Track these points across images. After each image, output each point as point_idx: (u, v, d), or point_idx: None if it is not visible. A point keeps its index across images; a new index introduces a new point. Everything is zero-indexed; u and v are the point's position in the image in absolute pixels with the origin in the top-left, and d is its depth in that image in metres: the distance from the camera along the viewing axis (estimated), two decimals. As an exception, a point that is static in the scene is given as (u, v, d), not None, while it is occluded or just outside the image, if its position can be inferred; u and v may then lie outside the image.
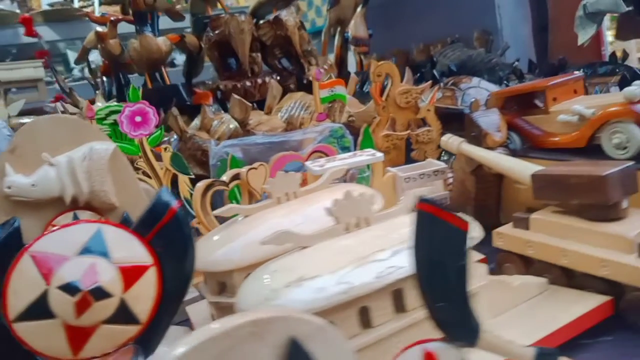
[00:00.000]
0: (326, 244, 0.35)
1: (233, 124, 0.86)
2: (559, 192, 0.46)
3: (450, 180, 0.69)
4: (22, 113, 1.15)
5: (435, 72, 1.21)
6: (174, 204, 0.33)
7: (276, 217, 0.43)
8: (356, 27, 1.67)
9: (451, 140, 0.62)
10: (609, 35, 2.02)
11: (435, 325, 0.28)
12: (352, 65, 1.82)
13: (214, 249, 0.41)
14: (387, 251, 0.33)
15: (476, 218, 0.64)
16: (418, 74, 1.41)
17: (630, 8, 1.38)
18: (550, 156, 0.56)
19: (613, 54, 1.36)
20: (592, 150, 0.52)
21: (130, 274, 0.30)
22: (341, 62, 1.81)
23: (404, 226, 0.31)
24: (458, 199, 0.66)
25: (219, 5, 1.63)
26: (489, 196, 0.62)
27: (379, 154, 0.63)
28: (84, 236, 0.30)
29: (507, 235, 0.50)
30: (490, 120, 0.60)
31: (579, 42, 1.45)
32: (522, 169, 0.51)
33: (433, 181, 0.67)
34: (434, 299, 0.27)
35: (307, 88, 1.31)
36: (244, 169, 0.60)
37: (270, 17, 1.35)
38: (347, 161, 0.60)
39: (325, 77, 1.42)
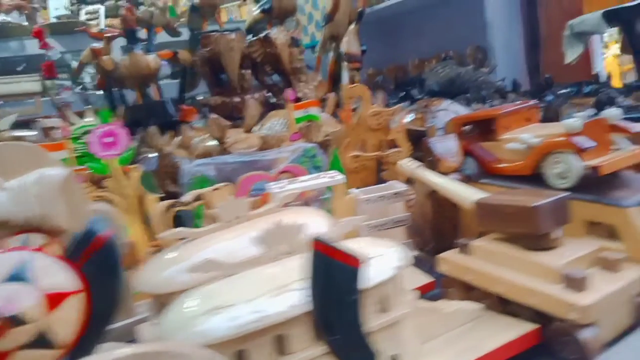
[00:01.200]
0: (251, 272, 0.37)
1: (212, 142, 0.89)
2: (496, 220, 0.48)
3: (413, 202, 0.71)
4: (17, 126, 1.19)
5: (416, 91, 1.22)
6: (104, 231, 0.35)
7: (222, 240, 0.45)
8: (349, 43, 1.70)
9: (408, 165, 0.63)
10: (603, 53, 2.03)
11: (334, 357, 0.30)
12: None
13: (157, 271, 0.43)
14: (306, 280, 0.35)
15: (435, 240, 0.66)
16: (404, 92, 1.44)
17: (614, 28, 1.39)
18: (501, 183, 0.57)
19: (596, 74, 1.37)
20: (541, 178, 0.54)
21: (55, 300, 0.32)
22: (335, 78, 1.84)
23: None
24: (417, 221, 0.67)
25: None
26: (445, 220, 0.63)
27: (340, 177, 0.65)
28: (11, 264, 0.32)
29: (449, 261, 0.51)
30: (447, 146, 0.62)
31: (566, 61, 1.47)
32: (468, 196, 0.53)
33: (393, 203, 0.68)
34: (329, 332, 0.29)
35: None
36: (207, 189, 0.62)
37: (262, 34, 1.38)
38: (306, 184, 0.62)
39: (314, 95, 1.45)
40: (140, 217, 0.67)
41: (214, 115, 0.86)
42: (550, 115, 0.89)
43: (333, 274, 0.28)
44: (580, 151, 0.47)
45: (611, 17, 1.19)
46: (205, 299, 0.35)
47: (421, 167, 0.62)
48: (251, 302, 0.34)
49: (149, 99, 1.24)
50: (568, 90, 1.36)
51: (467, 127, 0.64)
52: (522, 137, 0.54)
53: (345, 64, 1.76)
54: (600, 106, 0.97)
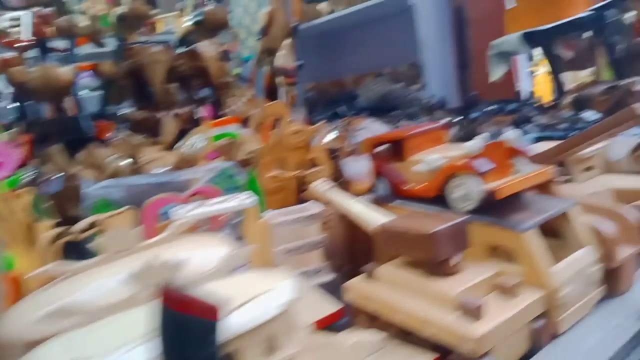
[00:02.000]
0: (118, 317, 0.33)
1: (125, 161, 0.84)
2: (397, 246, 0.46)
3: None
4: None
5: (344, 108, 1.22)
6: None
7: (96, 278, 0.41)
8: (283, 58, 1.69)
9: (319, 186, 0.61)
10: (534, 71, 2.13)
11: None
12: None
13: (17, 318, 0.38)
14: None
15: (349, 263, 0.64)
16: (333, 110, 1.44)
17: (533, 49, 1.46)
18: (411, 205, 0.56)
19: (517, 93, 1.44)
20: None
21: None
22: (272, 92, 1.82)
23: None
24: (333, 243, 0.65)
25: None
26: (359, 242, 0.62)
27: (251, 199, 0.62)
28: None
29: (354, 289, 0.49)
30: (359, 167, 0.60)
31: (490, 80, 1.53)
32: (372, 220, 0.51)
33: (309, 225, 0.66)
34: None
35: (226, 119, 1.30)
36: (104, 215, 0.57)
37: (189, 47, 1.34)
38: (213, 208, 0.59)
39: (244, 110, 1.42)
40: (30, 246, 0.61)
41: (124, 132, 0.81)
42: (468, 134, 0.91)
43: (185, 329, 0.25)
44: (479, 174, 0.47)
45: (530, 39, 1.25)
46: (63, 350, 0.31)
47: (332, 189, 0.61)
48: (112, 354, 0.30)
49: (63, 114, 1.16)
50: (493, 107, 1.41)
51: (379, 148, 0.63)
52: (426, 160, 0.53)
53: (279, 78, 1.74)
54: (518, 125, 1.00)
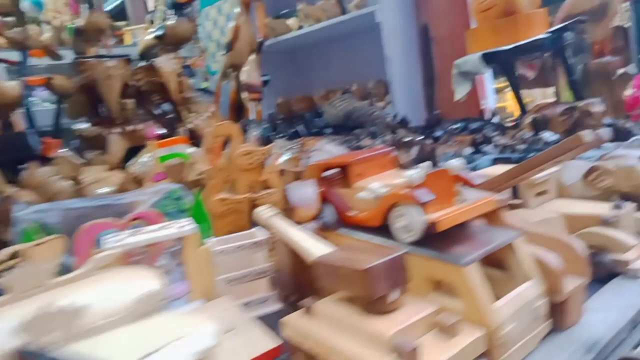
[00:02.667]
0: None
1: (65, 183, 0.79)
2: (333, 281, 0.44)
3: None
4: None
5: (301, 129, 1.20)
6: None
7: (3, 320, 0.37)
8: (248, 73, 1.66)
9: (263, 212, 0.59)
10: (502, 89, 2.16)
11: None
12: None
13: None
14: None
15: (297, 293, 0.61)
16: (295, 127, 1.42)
17: (491, 69, 1.48)
18: (357, 234, 0.54)
19: (481, 112, 1.45)
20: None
21: None
22: (238, 108, 1.78)
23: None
24: (279, 272, 0.62)
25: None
26: (306, 271, 0.59)
27: (190, 226, 0.58)
28: None
29: (291, 325, 0.46)
30: (304, 193, 0.58)
31: (455, 99, 1.53)
32: (312, 250, 0.49)
33: (254, 253, 0.63)
34: None
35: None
36: (27, 245, 0.53)
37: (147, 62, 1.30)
38: (147, 236, 0.55)
39: (206, 127, 1.38)
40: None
41: (62, 151, 0.76)
42: (427, 156, 0.90)
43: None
44: (420, 204, 0.45)
45: (489, 59, 1.26)
46: None
47: (275, 216, 0.58)
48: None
49: (9, 130, 1.11)
50: (456, 126, 1.41)
51: (327, 173, 0.60)
52: (370, 187, 0.51)
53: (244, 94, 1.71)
54: (477, 145, 1.00)
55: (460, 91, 1.48)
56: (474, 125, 1.39)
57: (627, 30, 3.38)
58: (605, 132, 0.54)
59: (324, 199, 0.58)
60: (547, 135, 1.09)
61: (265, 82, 1.79)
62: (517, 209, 0.69)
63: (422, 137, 1.21)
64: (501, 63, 1.31)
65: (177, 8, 1.47)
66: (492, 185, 0.63)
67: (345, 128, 1.48)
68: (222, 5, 2.33)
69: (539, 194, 0.71)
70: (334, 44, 2.24)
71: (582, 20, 1.26)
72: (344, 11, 1.98)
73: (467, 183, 0.49)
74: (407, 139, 1.23)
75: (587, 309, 0.51)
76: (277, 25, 2.14)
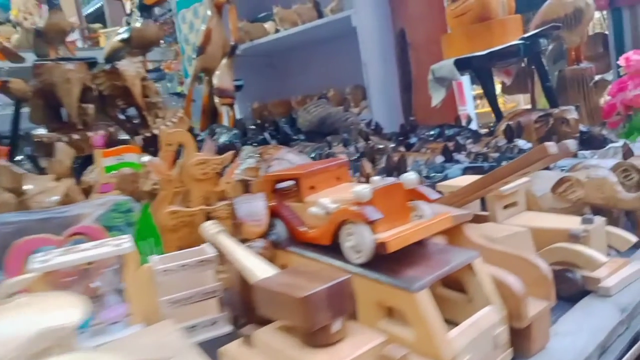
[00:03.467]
0: None
1: (6, 194, 0.73)
2: (272, 308, 0.39)
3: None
4: None
5: (268, 135, 1.15)
6: None
7: None
8: (220, 77, 1.61)
9: (208, 228, 0.54)
10: (474, 96, 2.14)
11: None
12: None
13: None
14: None
15: (247, 315, 0.56)
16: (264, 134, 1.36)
17: (465, 75, 1.45)
18: (309, 253, 0.50)
19: (457, 118, 1.42)
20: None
21: None
22: (211, 113, 1.74)
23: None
24: (228, 292, 0.57)
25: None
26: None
27: (127, 244, 0.54)
28: None
29: (229, 355, 0.42)
30: (253, 208, 0.53)
31: (432, 104, 1.50)
32: (254, 273, 0.44)
33: (202, 272, 0.58)
34: None
35: (151, 143, 1.21)
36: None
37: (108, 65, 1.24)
38: (77, 256, 0.50)
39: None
40: None
41: (3, 162, 0.71)
42: (393, 165, 0.86)
43: None
44: (369, 223, 0.41)
45: (461, 65, 1.23)
46: None
47: (221, 232, 0.53)
48: None
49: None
50: (432, 133, 1.38)
51: (280, 185, 0.56)
52: (320, 202, 0.47)
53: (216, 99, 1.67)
54: (447, 154, 0.96)
55: (437, 97, 1.46)
56: (450, 132, 1.35)
57: (606, 37, 3.41)
58: (571, 143, 0.50)
59: (275, 214, 0.54)
60: (521, 143, 1.06)
61: (238, 87, 1.75)
62: (485, 222, 0.66)
63: (394, 144, 1.17)
64: (475, 69, 1.28)
65: (145, 10, 1.42)
66: (455, 198, 0.59)
67: (320, 134, 1.44)
68: (198, 8, 2.28)
69: (508, 206, 0.67)
70: (312, 48, 2.21)
71: (557, 27, 1.25)
72: (320, 15, 1.95)
73: (423, 198, 0.46)
74: (379, 147, 1.20)
75: (554, 333, 0.48)
76: (253, 29, 2.10)
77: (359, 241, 0.42)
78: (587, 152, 1.21)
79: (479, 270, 0.43)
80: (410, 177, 0.45)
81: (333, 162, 0.53)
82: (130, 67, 1.21)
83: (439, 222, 0.44)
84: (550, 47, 1.86)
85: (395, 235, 0.41)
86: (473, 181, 0.57)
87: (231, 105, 1.64)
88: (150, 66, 1.98)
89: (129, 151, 0.73)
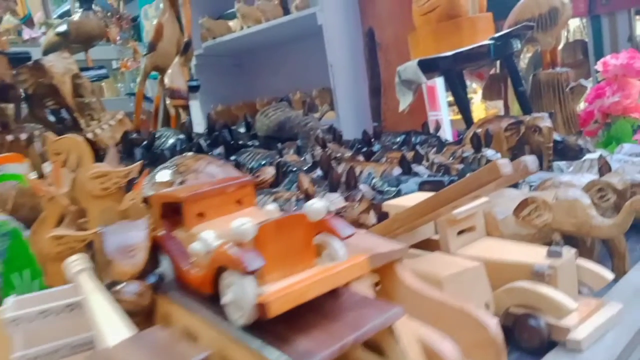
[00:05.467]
0: None
1: None
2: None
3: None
4: None
5: (204, 143, 1.03)
6: None
7: None
8: (172, 77, 1.48)
9: (71, 265, 0.42)
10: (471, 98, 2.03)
11: None
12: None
13: None
14: None
15: None
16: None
17: (432, 78, 1.35)
18: (186, 303, 0.38)
19: (424, 124, 1.31)
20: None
21: None
22: (164, 116, 1.61)
23: None
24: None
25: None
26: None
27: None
28: None
29: None
30: (129, 239, 0.41)
31: (400, 109, 1.40)
32: (102, 336, 0.32)
33: (71, 318, 0.46)
34: None
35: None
36: None
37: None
38: None
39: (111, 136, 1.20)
40: None
41: None
42: (337, 179, 0.74)
43: None
44: (249, 273, 0.29)
45: (426, 67, 1.13)
46: None
47: (84, 271, 0.41)
48: None
49: None
50: (398, 140, 1.27)
51: (169, 210, 0.44)
52: (201, 236, 0.35)
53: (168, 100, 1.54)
54: (405, 165, 0.85)
55: (404, 101, 1.35)
56: (416, 140, 1.25)
57: (586, 44, 3.36)
58: (531, 161, 0.40)
59: (161, 247, 0.42)
60: (490, 154, 0.96)
61: (193, 87, 1.63)
62: (437, 248, 0.55)
63: (352, 153, 1.06)
64: (442, 71, 1.18)
65: (85, 1, 1.29)
66: (396, 225, 0.48)
67: (278, 140, 1.32)
68: (161, 4, 2.14)
69: (464, 231, 0.56)
70: (278, 48, 2.09)
71: (530, 26, 1.15)
72: (287, 13, 1.83)
73: (332, 233, 0.34)
74: (337, 155, 1.08)
75: (507, 408, 0.37)
76: (216, 26, 1.97)
77: (238, 296, 0.31)
78: (562, 164, 1.12)
79: (402, 335, 0.32)
80: (315, 207, 0.34)
81: (231, 181, 0.41)
82: (57, 63, 1.08)
83: (348, 269, 0.32)
84: (526, 49, 1.77)
85: (284, 292, 0.29)
86: (416, 204, 0.46)
87: (184, 108, 1.51)
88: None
89: (10, 161, 0.60)
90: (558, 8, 1.23)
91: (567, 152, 1.07)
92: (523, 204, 0.56)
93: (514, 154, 1.05)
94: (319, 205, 0.34)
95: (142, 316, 0.41)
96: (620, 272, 0.61)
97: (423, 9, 1.21)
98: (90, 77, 1.37)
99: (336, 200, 0.69)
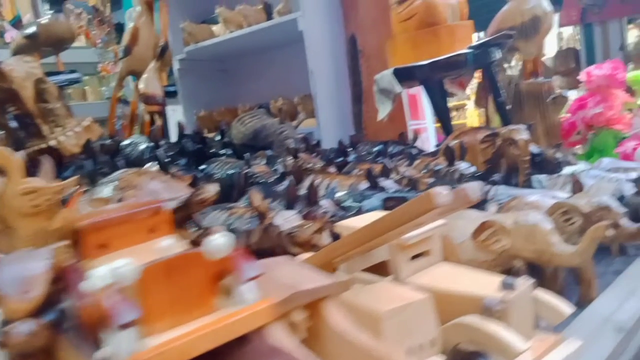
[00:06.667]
0: None
1: None
2: None
3: None
4: None
5: (161, 153, 0.99)
6: None
7: None
8: (147, 82, 1.44)
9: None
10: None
11: None
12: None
13: None
14: None
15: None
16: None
17: (410, 87, 1.31)
18: (79, 344, 0.33)
19: (401, 135, 1.28)
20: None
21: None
22: (140, 122, 1.57)
23: None
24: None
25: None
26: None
27: None
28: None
29: None
30: (25, 270, 0.37)
31: (378, 118, 1.36)
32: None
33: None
34: None
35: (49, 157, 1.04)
36: None
37: None
38: None
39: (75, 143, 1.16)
40: None
41: None
42: (293, 196, 0.70)
43: None
44: (120, 327, 0.25)
45: (401, 76, 1.09)
46: None
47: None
48: None
49: None
50: (375, 150, 1.24)
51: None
52: (90, 274, 0.31)
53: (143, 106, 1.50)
54: (371, 179, 0.81)
55: (383, 110, 1.31)
56: (394, 150, 1.21)
57: (578, 52, 3.33)
58: (472, 189, 0.36)
59: (62, 282, 0.38)
60: (463, 167, 0.92)
61: (170, 93, 1.59)
62: (388, 274, 0.51)
63: (324, 164, 1.02)
64: (420, 80, 1.15)
65: (54, 3, 1.24)
66: (334, 254, 0.44)
67: (253, 148, 1.27)
68: (138, 7, 2.10)
69: (419, 255, 0.52)
70: (262, 53, 2.05)
71: (509, 35, 1.12)
72: (270, 18, 1.80)
73: (238, 273, 0.30)
74: (308, 166, 1.05)
75: None
76: (198, 30, 1.93)
77: (113, 351, 0.26)
78: (543, 177, 1.08)
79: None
80: (215, 244, 0.29)
81: (141, 207, 0.37)
82: (18, 67, 1.03)
83: (249, 317, 0.28)
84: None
85: (164, 348, 0.25)
86: (349, 235, 0.42)
87: (160, 114, 1.47)
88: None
89: None
90: (540, 16, 1.19)
91: (545, 166, 1.03)
92: (481, 228, 0.52)
93: (490, 167, 1.02)
94: (220, 241, 0.30)
95: (40, 357, 0.37)
96: (586, 300, 0.57)
97: (401, 16, 1.17)
98: (60, 81, 1.33)
99: (290, 218, 0.65)
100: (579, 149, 1.34)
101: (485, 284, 0.46)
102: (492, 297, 0.43)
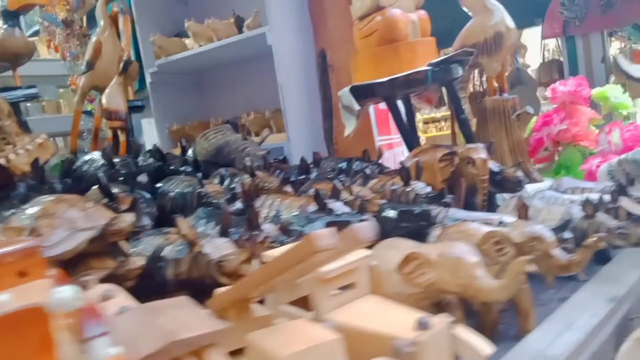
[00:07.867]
0: None
1: None
2: None
3: None
4: None
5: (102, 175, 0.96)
6: None
7: None
8: (109, 97, 1.41)
9: None
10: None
11: None
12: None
13: None
14: None
15: None
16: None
17: (368, 104, 1.30)
18: None
19: (365, 152, 1.25)
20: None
21: None
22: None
23: None
24: None
25: None
26: None
27: None
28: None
29: None
30: None
31: (345, 134, 1.34)
32: None
33: None
34: None
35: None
36: None
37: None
38: None
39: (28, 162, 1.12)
40: None
41: None
42: (227, 221, 0.67)
43: None
44: None
45: (359, 93, 1.08)
46: None
47: None
48: None
49: None
50: (339, 166, 1.21)
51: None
52: None
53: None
54: (319, 201, 0.79)
55: (349, 126, 1.29)
56: (357, 166, 1.19)
57: (562, 64, 3.35)
58: (364, 229, 0.33)
59: None
60: (419, 187, 0.90)
61: (135, 108, 1.56)
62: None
63: (280, 183, 1.00)
64: (380, 97, 1.13)
65: (9, 18, 1.22)
66: (241, 291, 0.42)
67: (216, 165, 1.25)
68: (102, 21, 2.08)
69: (345, 287, 0.50)
70: (234, 67, 2.04)
71: (469, 52, 1.11)
72: (240, 32, 1.78)
73: (95, 320, 0.27)
74: (265, 185, 1.02)
75: None
76: (170, 44, 1.91)
77: None
78: (507, 196, 1.06)
79: None
80: (58, 298, 0.27)
81: (8, 247, 0.34)
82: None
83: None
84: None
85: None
86: (250, 274, 0.40)
87: (123, 129, 1.44)
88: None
89: None
90: (503, 33, 1.19)
91: (505, 184, 1.01)
92: (406, 260, 0.50)
93: (449, 186, 1.00)
94: (65, 294, 0.27)
95: None
96: (524, 332, 0.55)
97: (362, 32, 1.16)
98: (17, 97, 1.30)
99: (221, 246, 0.62)
100: (545, 166, 1.33)
101: (402, 322, 0.44)
102: (402, 339, 0.41)
